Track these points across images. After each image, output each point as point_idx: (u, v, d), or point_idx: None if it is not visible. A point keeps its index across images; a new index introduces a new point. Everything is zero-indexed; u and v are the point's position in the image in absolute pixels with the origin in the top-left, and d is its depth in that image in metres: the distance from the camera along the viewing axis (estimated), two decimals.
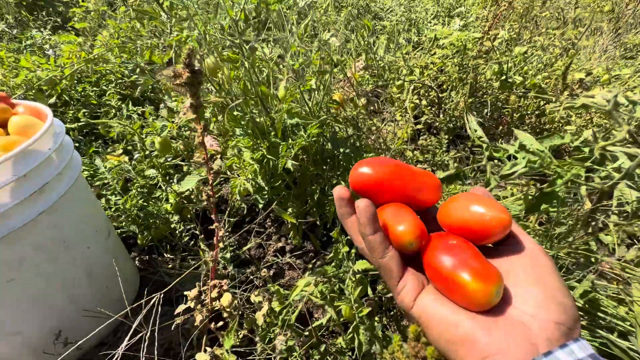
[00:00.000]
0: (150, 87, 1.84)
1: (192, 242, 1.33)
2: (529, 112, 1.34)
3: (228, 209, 1.40)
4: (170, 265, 1.24)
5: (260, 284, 1.15)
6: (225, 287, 0.72)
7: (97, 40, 1.55)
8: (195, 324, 0.71)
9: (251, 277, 1.17)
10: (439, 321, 0.28)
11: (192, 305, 0.68)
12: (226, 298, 0.70)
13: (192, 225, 1.33)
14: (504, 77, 1.32)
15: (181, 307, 0.69)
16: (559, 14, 2.91)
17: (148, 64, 1.89)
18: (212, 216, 0.70)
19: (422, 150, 1.57)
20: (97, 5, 2.10)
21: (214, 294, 0.74)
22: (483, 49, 1.40)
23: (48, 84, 1.37)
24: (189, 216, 1.35)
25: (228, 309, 0.70)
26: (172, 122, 1.11)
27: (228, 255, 1.18)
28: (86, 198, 0.88)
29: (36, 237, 0.70)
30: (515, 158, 0.64)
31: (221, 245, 0.71)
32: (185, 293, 0.71)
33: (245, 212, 1.43)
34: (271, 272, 1.23)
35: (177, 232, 1.29)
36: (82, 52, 1.48)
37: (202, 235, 1.34)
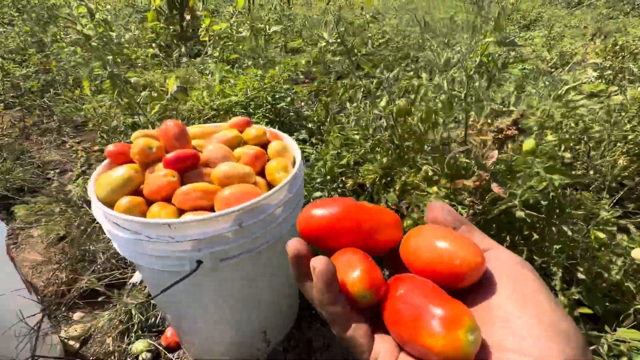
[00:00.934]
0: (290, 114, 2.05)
1: None
2: None
3: None
4: None
5: None
6: None
7: (266, 74, 1.79)
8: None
9: None
10: None
11: None
12: None
13: None
14: None
15: None
16: None
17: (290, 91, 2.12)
18: None
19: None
20: (248, 41, 2.43)
21: None
22: None
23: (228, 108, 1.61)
24: None
25: None
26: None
27: None
28: None
29: (280, 247, 0.81)
30: None
31: None
32: None
33: None
34: None
35: None
36: (255, 81, 1.72)
37: None
